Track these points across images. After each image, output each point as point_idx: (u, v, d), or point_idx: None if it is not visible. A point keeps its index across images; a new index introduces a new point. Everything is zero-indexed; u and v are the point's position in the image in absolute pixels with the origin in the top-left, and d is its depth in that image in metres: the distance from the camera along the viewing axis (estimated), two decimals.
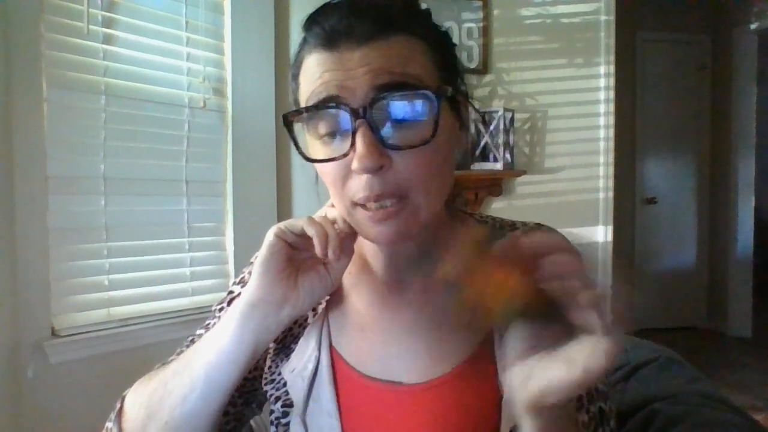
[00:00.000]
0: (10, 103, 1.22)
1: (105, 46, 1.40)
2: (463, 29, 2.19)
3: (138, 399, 0.55)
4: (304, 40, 0.51)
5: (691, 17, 3.95)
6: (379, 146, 0.46)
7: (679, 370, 0.84)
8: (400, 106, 0.47)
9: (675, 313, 3.95)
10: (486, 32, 2.22)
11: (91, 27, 1.36)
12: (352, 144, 0.46)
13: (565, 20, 2.30)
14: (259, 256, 0.51)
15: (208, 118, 1.64)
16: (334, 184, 0.50)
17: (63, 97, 1.32)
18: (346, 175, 0.48)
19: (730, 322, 3.84)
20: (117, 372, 1.31)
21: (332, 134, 0.49)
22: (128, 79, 1.45)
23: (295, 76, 0.53)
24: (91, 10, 1.35)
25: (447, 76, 0.52)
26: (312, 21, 0.50)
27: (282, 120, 0.51)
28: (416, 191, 0.48)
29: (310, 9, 0.51)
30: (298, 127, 0.52)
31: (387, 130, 0.47)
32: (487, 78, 2.24)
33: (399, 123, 0.47)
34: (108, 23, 1.41)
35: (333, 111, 0.47)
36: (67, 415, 1.29)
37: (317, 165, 0.51)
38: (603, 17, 2.31)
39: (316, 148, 0.50)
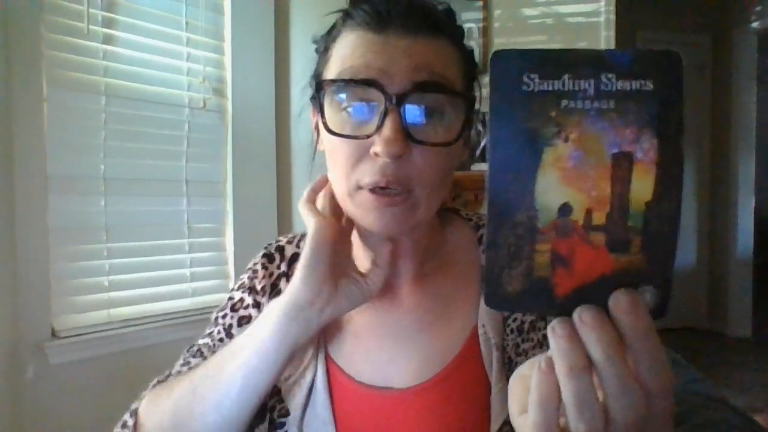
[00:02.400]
0: (10, 103, 1.22)
1: (105, 46, 1.40)
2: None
3: (159, 408, 0.52)
4: (347, 15, 0.51)
5: (692, 17, 3.94)
6: (405, 136, 0.46)
7: (679, 370, 0.84)
8: (433, 104, 0.48)
9: (675, 314, 3.94)
10: (486, 32, 2.22)
11: (91, 27, 1.36)
12: (379, 127, 0.46)
13: (565, 20, 2.30)
14: (306, 250, 0.48)
15: (208, 118, 1.64)
16: (343, 164, 0.49)
17: (63, 97, 1.32)
18: (361, 156, 0.48)
19: (730, 322, 3.83)
20: (117, 373, 1.32)
21: (358, 113, 0.48)
22: (128, 80, 1.45)
23: (327, 49, 0.53)
24: (91, 10, 1.35)
25: (471, 88, 0.54)
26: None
27: (314, 85, 0.51)
28: (422, 188, 0.49)
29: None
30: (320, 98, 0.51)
31: (415, 123, 0.47)
32: (487, 78, 2.24)
33: (428, 119, 0.48)
34: (108, 23, 1.41)
35: (368, 91, 0.47)
36: (66, 415, 1.28)
37: (329, 141, 0.51)
38: (603, 17, 2.30)
39: (335, 122, 0.49)
